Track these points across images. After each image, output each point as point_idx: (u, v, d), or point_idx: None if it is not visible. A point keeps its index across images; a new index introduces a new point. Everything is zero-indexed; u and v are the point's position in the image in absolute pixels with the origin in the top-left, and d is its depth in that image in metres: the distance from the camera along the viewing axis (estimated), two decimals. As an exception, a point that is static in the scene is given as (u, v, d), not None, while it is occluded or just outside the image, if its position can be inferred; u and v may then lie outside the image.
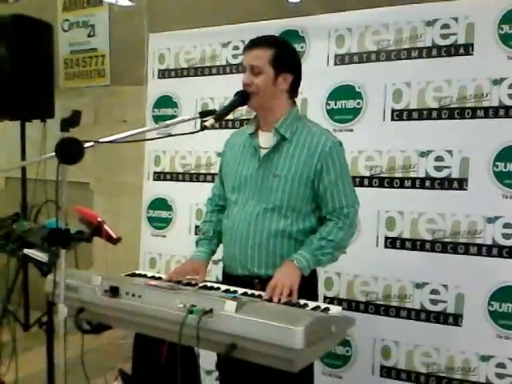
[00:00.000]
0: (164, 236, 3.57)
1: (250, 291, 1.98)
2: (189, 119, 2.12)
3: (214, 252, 2.31)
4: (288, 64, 2.12)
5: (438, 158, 2.74)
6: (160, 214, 3.58)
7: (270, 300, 1.88)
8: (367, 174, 2.89)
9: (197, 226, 3.37)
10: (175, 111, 3.54)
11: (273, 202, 2.08)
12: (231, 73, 3.33)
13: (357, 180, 2.85)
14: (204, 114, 2.05)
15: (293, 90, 2.16)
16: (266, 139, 2.15)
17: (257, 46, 2.09)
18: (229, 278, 2.20)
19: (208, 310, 1.65)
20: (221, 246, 2.30)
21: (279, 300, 1.88)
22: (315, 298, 2.16)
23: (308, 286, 2.11)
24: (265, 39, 2.13)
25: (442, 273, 2.72)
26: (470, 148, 2.67)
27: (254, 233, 2.09)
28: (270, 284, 1.95)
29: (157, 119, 3.59)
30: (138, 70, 3.80)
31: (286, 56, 2.11)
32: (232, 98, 2.12)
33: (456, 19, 2.71)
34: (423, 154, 2.77)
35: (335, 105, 2.99)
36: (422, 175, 2.77)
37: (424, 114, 2.78)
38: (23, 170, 4.19)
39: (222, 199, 2.32)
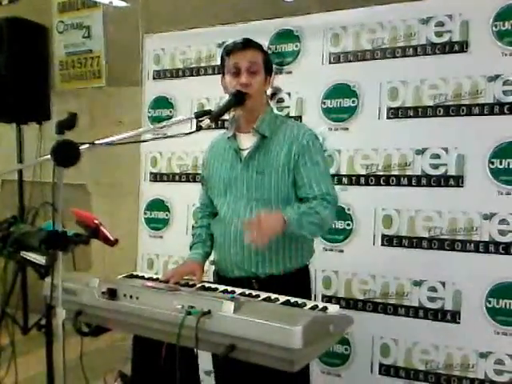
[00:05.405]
0: (161, 237, 3.57)
1: (247, 291, 1.98)
2: (184, 120, 2.12)
3: (208, 254, 2.31)
4: (271, 67, 2.23)
5: (434, 156, 2.74)
6: (157, 214, 3.58)
7: (267, 299, 1.88)
8: (363, 172, 2.90)
9: (194, 227, 3.37)
10: (171, 112, 3.54)
11: (261, 196, 2.11)
12: (227, 73, 3.32)
13: (353, 178, 2.86)
14: (199, 114, 2.05)
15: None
16: (245, 140, 2.18)
17: (250, 48, 2.12)
18: (224, 280, 2.18)
19: (206, 311, 1.65)
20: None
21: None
22: (308, 296, 2.16)
23: (301, 284, 2.13)
24: (253, 42, 2.16)
25: (439, 270, 2.72)
26: (465, 145, 2.68)
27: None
28: (252, 220, 1.92)
29: (153, 120, 3.59)
30: (134, 71, 3.80)
31: (269, 59, 2.21)
32: (227, 98, 2.12)
33: (450, 17, 2.72)
34: (419, 152, 2.77)
35: (331, 103, 2.99)
36: (418, 173, 2.77)
37: (419, 111, 2.78)
38: (20, 172, 4.19)
39: (209, 206, 2.34)
